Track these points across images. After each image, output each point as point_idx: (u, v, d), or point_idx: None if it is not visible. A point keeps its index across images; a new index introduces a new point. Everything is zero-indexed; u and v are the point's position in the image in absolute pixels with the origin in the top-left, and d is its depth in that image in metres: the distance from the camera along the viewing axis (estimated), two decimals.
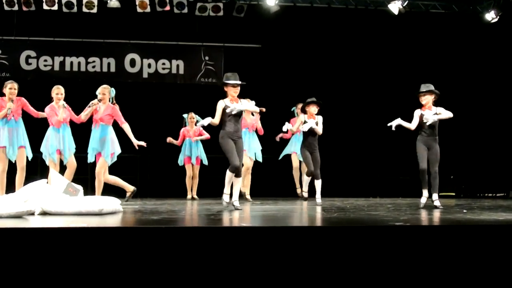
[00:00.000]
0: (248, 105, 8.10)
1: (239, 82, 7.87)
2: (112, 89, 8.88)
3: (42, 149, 8.77)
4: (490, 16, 13.49)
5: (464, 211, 6.64)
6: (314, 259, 3.75)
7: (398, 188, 13.52)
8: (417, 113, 8.37)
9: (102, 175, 8.65)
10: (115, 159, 8.70)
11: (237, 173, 7.54)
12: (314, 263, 3.73)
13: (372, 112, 13.90)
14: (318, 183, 8.81)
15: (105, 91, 8.74)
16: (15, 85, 8.72)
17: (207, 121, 7.52)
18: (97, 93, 8.76)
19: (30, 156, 8.83)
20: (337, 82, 13.94)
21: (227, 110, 7.44)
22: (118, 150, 8.72)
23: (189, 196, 11.30)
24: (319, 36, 13.96)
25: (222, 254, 3.77)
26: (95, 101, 8.55)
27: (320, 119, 9.07)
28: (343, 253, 3.80)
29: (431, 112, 8.28)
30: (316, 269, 3.71)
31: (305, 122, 8.87)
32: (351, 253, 3.79)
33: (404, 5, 13.09)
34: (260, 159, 10.84)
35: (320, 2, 13.96)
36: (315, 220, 5.60)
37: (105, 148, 8.55)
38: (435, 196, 8.10)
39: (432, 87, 8.34)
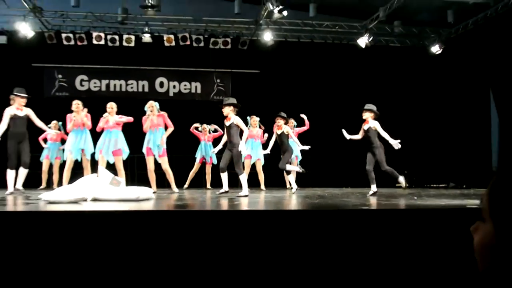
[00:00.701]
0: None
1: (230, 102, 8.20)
2: (156, 103, 9.02)
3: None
4: (435, 49, 13.58)
5: (415, 198, 6.70)
6: (302, 235, 3.79)
7: (365, 180, 13.57)
8: (363, 127, 8.18)
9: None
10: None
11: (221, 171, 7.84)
12: (302, 239, 3.77)
13: (345, 122, 13.94)
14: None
15: (152, 105, 8.87)
16: (79, 103, 8.94)
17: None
18: (146, 107, 8.90)
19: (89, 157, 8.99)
20: (318, 98, 13.99)
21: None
22: None
23: (185, 186, 11.22)
24: (305, 63, 14.05)
25: (234, 232, 3.78)
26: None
27: (288, 128, 9.06)
28: (323, 230, 3.84)
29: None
30: (304, 244, 3.75)
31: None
32: (329, 231, 3.84)
33: (369, 40, 13.15)
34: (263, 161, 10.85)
35: (305, 38, 14.06)
36: (303, 205, 5.63)
37: (163, 147, 8.76)
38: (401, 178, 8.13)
39: (371, 107, 8.15)
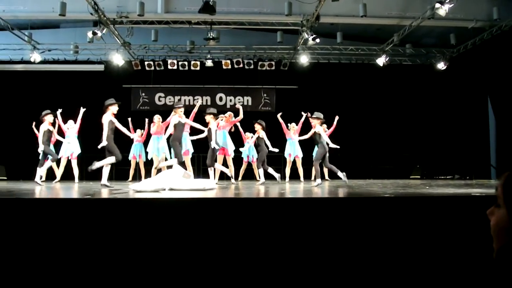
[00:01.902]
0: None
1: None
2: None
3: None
4: (441, 65, 13.17)
5: (427, 187, 6.47)
6: (334, 219, 3.72)
7: (384, 172, 13.31)
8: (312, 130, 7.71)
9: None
10: None
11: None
12: (334, 222, 3.70)
13: (367, 129, 13.72)
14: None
15: (231, 114, 9.20)
16: (160, 117, 9.12)
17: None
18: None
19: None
20: (345, 108, 13.78)
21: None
22: None
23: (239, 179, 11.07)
24: (334, 79, 13.88)
25: (281, 216, 3.73)
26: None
27: (263, 134, 8.85)
28: (352, 214, 3.75)
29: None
30: (336, 226, 3.68)
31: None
32: (358, 215, 3.75)
33: (386, 60, 12.87)
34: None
35: (334, 60, 13.88)
36: (335, 193, 5.52)
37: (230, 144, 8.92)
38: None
39: (318, 115, 7.74)
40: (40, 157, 8.37)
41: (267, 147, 8.82)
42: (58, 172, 10.11)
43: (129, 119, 10.78)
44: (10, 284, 3.36)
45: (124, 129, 7.64)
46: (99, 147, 7.06)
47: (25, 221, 3.59)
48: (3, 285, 3.36)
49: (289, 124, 10.50)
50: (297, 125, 10.56)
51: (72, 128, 9.98)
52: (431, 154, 13.82)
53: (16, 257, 3.43)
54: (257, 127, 8.87)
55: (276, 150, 9.36)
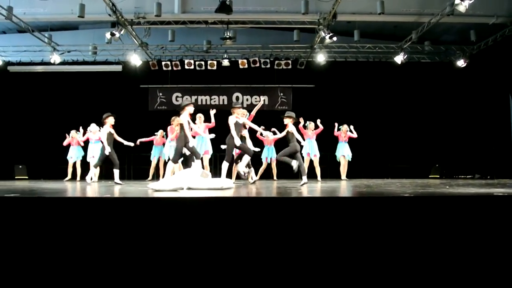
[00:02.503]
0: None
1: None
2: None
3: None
4: (460, 63, 12.97)
5: (447, 187, 6.37)
6: (354, 217, 3.69)
7: (402, 172, 13.18)
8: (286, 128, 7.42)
9: None
10: None
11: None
12: (353, 220, 3.67)
13: (385, 127, 13.60)
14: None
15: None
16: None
17: None
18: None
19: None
20: (363, 106, 13.70)
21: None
22: None
23: (256, 178, 10.92)
24: (351, 78, 13.79)
25: (298, 216, 3.71)
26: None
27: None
28: (372, 213, 3.72)
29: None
30: (356, 224, 3.65)
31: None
32: (377, 214, 3.71)
33: (404, 58, 12.73)
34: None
35: (351, 58, 13.78)
36: (354, 192, 5.47)
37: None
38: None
39: (291, 114, 7.50)
40: (99, 158, 8.56)
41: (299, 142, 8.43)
42: (69, 171, 10.80)
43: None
44: (35, 280, 3.42)
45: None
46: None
47: (45, 219, 3.66)
48: (31, 280, 3.43)
49: (307, 122, 10.44)
50: (315, 125, 10.50)
51: (96, 132, 10.15)
52: (451, 153, 13.62)
53: (41, 253, 3.50)
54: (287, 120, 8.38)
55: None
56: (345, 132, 10.95)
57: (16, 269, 3.48)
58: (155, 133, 10.76)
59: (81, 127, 10.65)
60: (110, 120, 8.31)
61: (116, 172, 8.16)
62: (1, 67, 13.30)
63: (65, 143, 10.79)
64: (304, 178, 7.16)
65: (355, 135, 10.91)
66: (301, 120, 9.88)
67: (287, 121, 7.60)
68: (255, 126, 7.89)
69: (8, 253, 3.53)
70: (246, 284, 3.48)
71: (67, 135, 10.77)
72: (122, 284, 3.47)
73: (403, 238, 3.56)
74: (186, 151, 7.09)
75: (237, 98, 14.18)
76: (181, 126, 7.02)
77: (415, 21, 11.55)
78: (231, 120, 7.34)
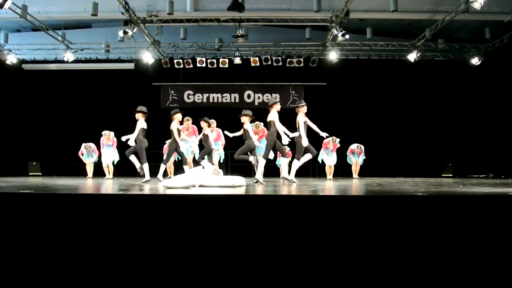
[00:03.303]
0: None
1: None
2: (261, 123, 8.96)
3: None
4: (475, 61, 12.81)
5: (461, 186, 6.30)
6: (366, 216, 3.66)
7: (414, 171, 13.08)
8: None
9: None
10: None
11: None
12: (366, 219, 3.65)
13: (398, 126, 13.49)
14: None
15: (258, 124, 8.95)
16: (190, 119, 9.18)
17: None
18: (254, 127, 8.86)
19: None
20: (375, 104, 13.62)
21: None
22: None
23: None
24: (363, 76, 13.71)
25: (310, 214, 3.70)
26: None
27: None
28: (384, 212, 3.69)
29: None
30: (368, 223, 3.63)
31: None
32: (389, 212, 3.69)
33: (417, 56, 12.62)
34: None
35: (363, 56, 13.70)
36: (365, 191, 5.43)
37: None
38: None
39: (248, 112, 7.89)
40: (176, 155, 8.82)
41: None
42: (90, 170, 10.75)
43: None
44: (58, 274, 3.47)
45: (184, 136, 8.77)
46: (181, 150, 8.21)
47: (59, 215, 3.70)
48: (46, 276, 3.48)
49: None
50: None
51: (109, 137, 10.29)
52: (464, 152, 13.47)
53: (59, 249, 3.54)
54: (244, 118, 8.14)
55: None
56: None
57: (32, 264, 3.53)
58: None
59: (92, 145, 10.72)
60: (178, 116, 8.34)
61: (162, 168, 8.36)
62: (16, 65, 13.46)
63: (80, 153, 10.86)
64: (258, 175, 7.02)
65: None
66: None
67: (244, 119, 7.73)
68: (314, 126, 7.72)
69: (22, 249, 3.58)
70: (258, 282, 3.49)
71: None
72: (134, 280, 3.50)
73: (416, 238, 3.53)
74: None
75: (249, 96, 14.15)
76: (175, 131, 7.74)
77: (428, 19, 11.45)
78: (301, 119, 7.35)
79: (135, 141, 7.83)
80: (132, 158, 7.99)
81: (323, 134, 7.63)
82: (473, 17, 10.74)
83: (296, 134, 7.25)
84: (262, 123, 10.61)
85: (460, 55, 13.49)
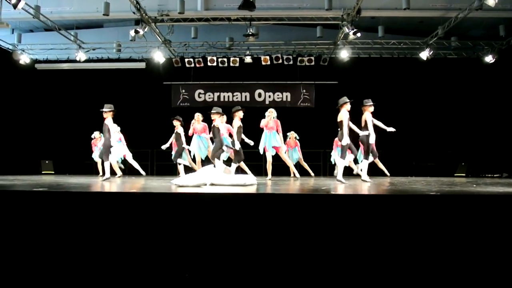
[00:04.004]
0: None
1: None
2: (274, 111, 8.91)
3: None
4: (489, 59, 12.65)
5: (474, 186, 6.25)
6: (379, 215, 3.66)
7: (426, 170, 12.97)
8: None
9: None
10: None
11: None
12: (380, 217, 3.64)
13: (410, 125, 13.38)
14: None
15: (271, 111, 8.83)
16: (199, 115, 9.19)
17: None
18: (266, 114, 8.84)
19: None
20: (387, 104, 13.50)
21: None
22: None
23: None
24: (375, 74, 13.60)
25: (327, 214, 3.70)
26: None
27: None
28: (397, 211, 3.68)
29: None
30: (381, 222, 3.62)
31: None
32: (402, 212, 3.67)
33: (430, 54, 12.51)
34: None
35: (375, 54, 13.63)
36: (378, 190, 5.40)
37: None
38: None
39: (217, 109, 8.02)
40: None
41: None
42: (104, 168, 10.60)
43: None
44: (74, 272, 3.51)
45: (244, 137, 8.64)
46: (237, 148, 8.12)
47: (72, 212, 3.75)
48: (62, 271, 3.52)
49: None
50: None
51: (116, 133, 10.30)
52: (477, 151, 13.32)
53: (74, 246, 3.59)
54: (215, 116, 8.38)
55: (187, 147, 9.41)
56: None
57: (47, 261, 3.58)
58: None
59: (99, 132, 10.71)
60: (240, 114, 8.40)
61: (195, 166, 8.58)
62: (29, 65, 13.61)
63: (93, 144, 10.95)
64: (339, 176, 7.24)
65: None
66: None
67: (214, 116, 7.84)
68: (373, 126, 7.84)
69: (36, 246, 3.63)
70: (271, 280, 3.50)
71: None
72: (147, 277, 3.53)
73: (430, 238, 3.51)
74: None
75: (260, 94, 14.15)
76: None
77: (441, 16, 11.35)
78: (369, 118, 7.56)
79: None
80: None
81: (363, 133, 7.58)
82: (487, 14, 10.62)
83: (366, 132, 7.42)
84: (295, 134, 10.75)
85: (473, 53, 13.34)
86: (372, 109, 7.69)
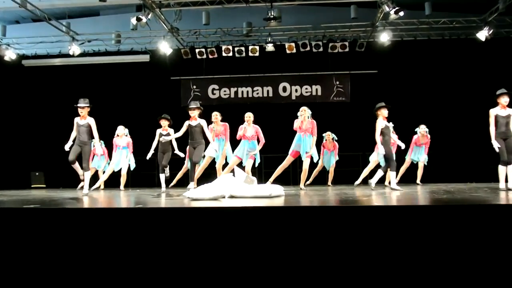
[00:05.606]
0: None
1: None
2: (307, 108, 8.84)
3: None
4: None
5: None
6: (434, 228, 3.57)
7: (489, 174, 12.68)
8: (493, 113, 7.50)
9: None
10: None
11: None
12: (433, 231, 3.56)
13: (467, 119, 13.11)
14: None
15: (304, 110, 8.76)
16: (217, 113, 9.21)
17: None
18: (298, 114, 8.78)
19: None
20: (437, 95, 13.31)
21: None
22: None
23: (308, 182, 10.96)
24: (422, 60, 13.42)
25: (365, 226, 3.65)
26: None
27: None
28: (455, 224, 3.59)
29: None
30: (436, 236, 3.53)
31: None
32: (461, 225, 3.58)
33: (490, 33, 12.28)
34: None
35: (422, 36, 13.45)
36: (433, 201, 5.27)
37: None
38: None
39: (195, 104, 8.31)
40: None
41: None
42: (102, 179, 10.73)
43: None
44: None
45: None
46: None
47: (69, 231, 3.77)
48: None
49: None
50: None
51: (123, 137, 10.43)
52: None
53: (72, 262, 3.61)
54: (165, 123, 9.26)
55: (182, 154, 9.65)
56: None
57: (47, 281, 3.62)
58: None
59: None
60: (384, 112, 8.29)
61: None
62: (15, 62, 13.87)
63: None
64: (393, 184, 7.89)
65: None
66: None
67: (195, 113, 8.15)
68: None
69: (29, 269, 3.67)
70: None
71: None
72: None
73: (498, 252, 3.42)
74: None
75: (284, 89, 14.12)
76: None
77: None
78: (378, 126, 7.99)
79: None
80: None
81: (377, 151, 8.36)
82: None
83: (381, 151, 7.94)
84: (332, 134, 10.82)
85: None
86: (386, 113, 7.83)
